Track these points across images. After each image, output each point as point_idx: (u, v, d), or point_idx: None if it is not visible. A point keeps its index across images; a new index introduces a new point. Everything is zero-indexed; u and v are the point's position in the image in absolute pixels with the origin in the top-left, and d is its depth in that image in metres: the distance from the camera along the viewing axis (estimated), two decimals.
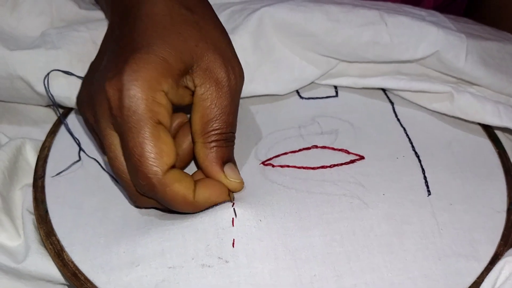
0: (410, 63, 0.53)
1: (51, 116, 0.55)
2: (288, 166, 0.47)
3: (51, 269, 0.44)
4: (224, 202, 0.43)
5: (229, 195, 0.43)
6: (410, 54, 0.51)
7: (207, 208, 0.42)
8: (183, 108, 0.45)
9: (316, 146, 0.49)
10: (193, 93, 0.43)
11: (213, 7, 0.55)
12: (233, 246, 0.41)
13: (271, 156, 0.48)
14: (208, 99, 0.42)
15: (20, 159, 0.50)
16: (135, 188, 0.41)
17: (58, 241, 0.43)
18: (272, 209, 0.43)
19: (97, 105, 0.41)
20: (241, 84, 0.44)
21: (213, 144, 0.42)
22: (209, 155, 0.42)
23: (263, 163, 0.48)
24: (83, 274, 0.41)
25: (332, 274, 0.40)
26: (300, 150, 0.48)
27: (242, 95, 0.52)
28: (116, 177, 0.42)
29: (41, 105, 0.55)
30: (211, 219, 0.42)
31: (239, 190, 0.44)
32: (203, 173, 0.43)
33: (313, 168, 0.47)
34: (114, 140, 0.41)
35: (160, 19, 0.42)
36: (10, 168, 0.48)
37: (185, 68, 0.41)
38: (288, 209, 0.44)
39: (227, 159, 0.43)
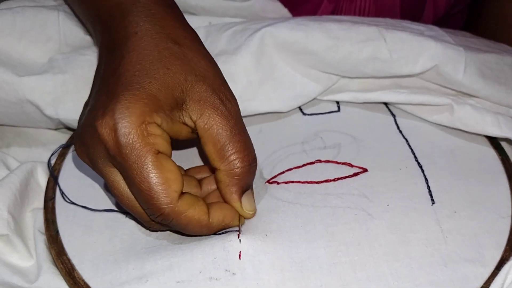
0: (410, 77, 0.54)
1: (60, 139, 0.56)
2: (292, 182, 0.48)
3: None
4: (234, 226, 0.44)
5: (240, 221, 0.44)
6: (410, 69, 0.52)
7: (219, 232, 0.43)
8: None
9: (319, 161, 0.49)
10: (191, 129, 0.42)
11: (215, 28, 0.56)
12: (239, 258, 0.42)
13: (276, 174, 0.49)
14: (213, 126, 0.41)
15: (31, 182, 0.51)
16: (149, 216, 0.41)
17: (69, 260, 0.44)
18: (277, 224, 0.44)
19: (91, 146, 0.41)
20: (238, 108, 0.44)
21: (237, 170, 0.42)
22: (230, 184, 0.42)
23: (268, 181, 0.48)
24: None
25: (338, 283, 0.40)
26: (304, 165, 0.49)
27: (246, 113, 0.53)
28: (128, 211, 0.43)
29: (50, 128, 0.56)
30: (217, 234, 0.43)
31: (251, 217, 0.45)
32: (222, 198, 0.44)
33: (317, 182, 0.47)
34: (116, 177, 0.41)
35: (147, 54, 0.42)
36: (22, 190, 0.49)
37: (176, 103, 0.41)
38: (294, 224, 0.44)
39: (247, 186, 0.44)
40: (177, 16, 0.47)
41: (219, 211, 0.42)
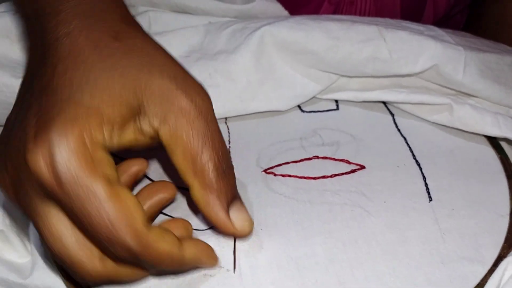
0: (409, 77, 0.53)
1: None
2: (289, 175, 0.47)
3: (56, 283, 0.44)
4: (210, 267, 0.40)
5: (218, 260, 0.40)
6: (409, 68, 0.52)
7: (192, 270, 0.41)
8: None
9: (317, 157, 0.49)
10: (151, 137, 0.36)
11: (214, 26, 0.56)
12: (234, 254, 0.41)
13: (273, 165, 0.48)
14: (182, 134, 0.35)
15: None
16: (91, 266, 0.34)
17: None
18: (274, 219, 0.44)
19: (21, 181, 0.33)
20: (209, 101, 0.36)
21: (213, 181, 0.36)
22: (211, 200, 0.36)
23: (265, 171, 0.48)
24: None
25: (335, 281, 0.40)
26: (301, 160, 0.49)
27: (245, 113, 0.53)
28: (62, 262, 0.35)
29: None
30: (212, 229, 0.43)
31: (249, 233, 0.40)
32: (209, 220, 0.37)
33: (314, 178, 0.47)
34: (51, 220, 0.33)
35: (84, 60, 0.35)
36: None
37: (130, 110, 0.34)
38: (290, 219, 0.44)
39: (232, 196, 0.37)
40: (118, 7, 0.40)
41: (194, 246, 0.37)
